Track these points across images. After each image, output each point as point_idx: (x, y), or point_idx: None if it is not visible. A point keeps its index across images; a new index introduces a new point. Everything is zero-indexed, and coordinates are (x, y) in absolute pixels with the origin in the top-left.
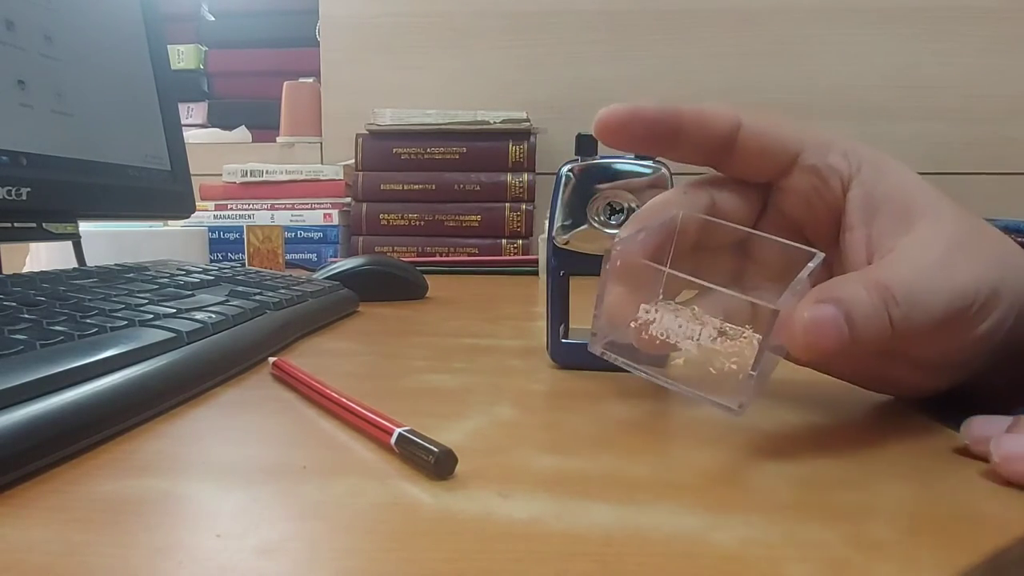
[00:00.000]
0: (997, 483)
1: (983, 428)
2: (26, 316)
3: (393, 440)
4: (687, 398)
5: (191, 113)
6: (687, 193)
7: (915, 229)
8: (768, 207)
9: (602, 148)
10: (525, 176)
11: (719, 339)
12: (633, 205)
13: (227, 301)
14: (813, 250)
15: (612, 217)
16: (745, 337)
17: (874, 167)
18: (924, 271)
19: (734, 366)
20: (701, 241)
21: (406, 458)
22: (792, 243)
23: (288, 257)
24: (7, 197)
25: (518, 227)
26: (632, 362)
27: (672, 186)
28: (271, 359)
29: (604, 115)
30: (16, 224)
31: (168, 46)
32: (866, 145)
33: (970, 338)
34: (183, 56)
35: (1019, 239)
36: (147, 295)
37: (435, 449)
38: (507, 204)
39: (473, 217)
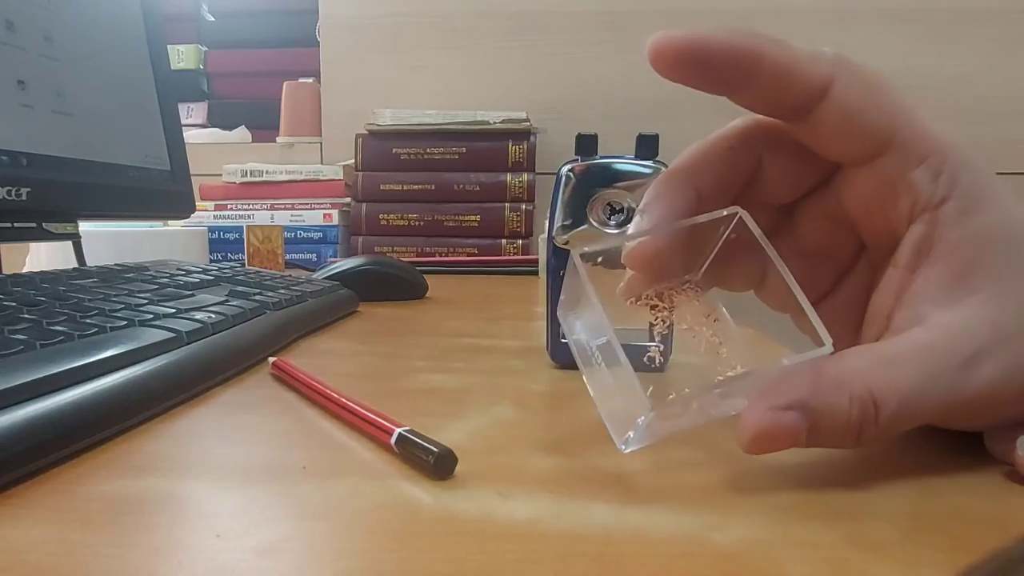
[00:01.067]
0: (1002, 481)
1: (1008, 429)
2: (26, 316)
3: (393, 440)
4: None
5: (191, 113)
6: (732, 149)
7: (961, 304)
8: (827, 187)
9: (602, 148)
10: (525, 176)
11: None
12: (633, 205)
13: (227, 301)
14: (826, 339)
15: (612, 217)
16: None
17: (966, 203)
18: (931, 375)
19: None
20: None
21: (406, 458)
22: (816, 320)
23: (288, 257)
24: (7, 197)
25: (518, 227)
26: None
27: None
28: (271, 359)
29: (659, 44)
30: (16, 224)
31: (168, 46)
32: (982, 168)
33: (1000, 418)
34: (183, 56)
35: None
36: (147, 295)
37: (435, 449)
38: (507, 204)
39: (473, 217)
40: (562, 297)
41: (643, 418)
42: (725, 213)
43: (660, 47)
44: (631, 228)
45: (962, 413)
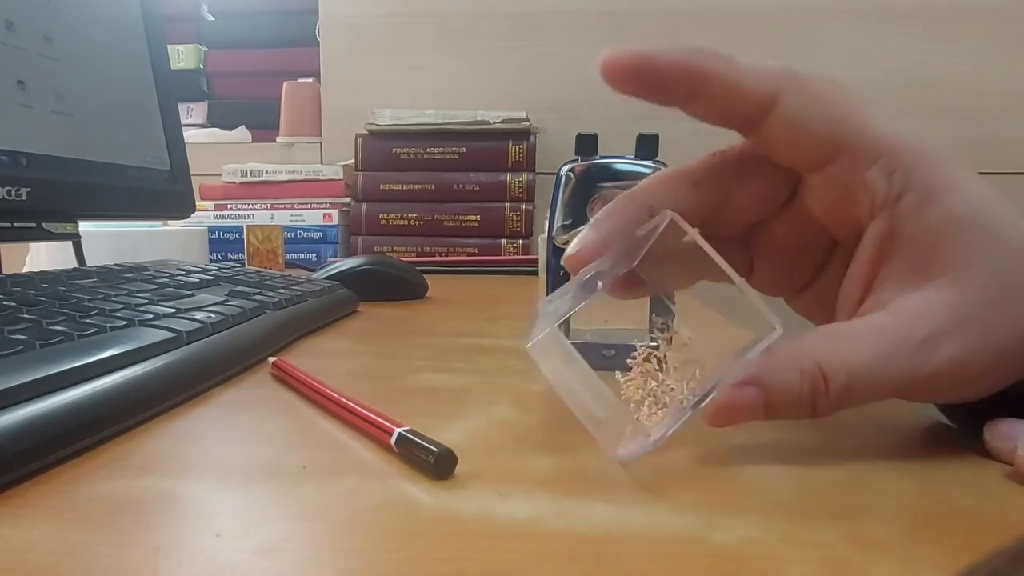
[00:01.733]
0: (1003, 481)
1: (1010, 430)
2: (26, 316)
3: (393, 440)
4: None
5: (191, 113)
6: (698, 184)
7: (922, 290)
8: (796, 196)
9: (602, 148)
10: (525, 176)
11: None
12: None
13: (227, 301)
14: (776, 324)
15: None
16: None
17: (921, 196)
18: (886, 355)
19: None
20: (672, 248)
21: (406, 458)
22: (762, 307)
23: (288, 257)
24: (7, 197)
25: (518, 227)
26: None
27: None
28: (271, 359)
29: (609, 59)
30: (16, 224)
31: (168, 46)
32: (935, 157)
33: (971, 393)
34: (183, 56)
35: None
36: (147, 295)
37: (435, 449)
38: (507, 204)
39: (473, 217)
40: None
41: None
42: (657, 219)
43: (609, 63)
44: (577, 238)
45: (925, 389)
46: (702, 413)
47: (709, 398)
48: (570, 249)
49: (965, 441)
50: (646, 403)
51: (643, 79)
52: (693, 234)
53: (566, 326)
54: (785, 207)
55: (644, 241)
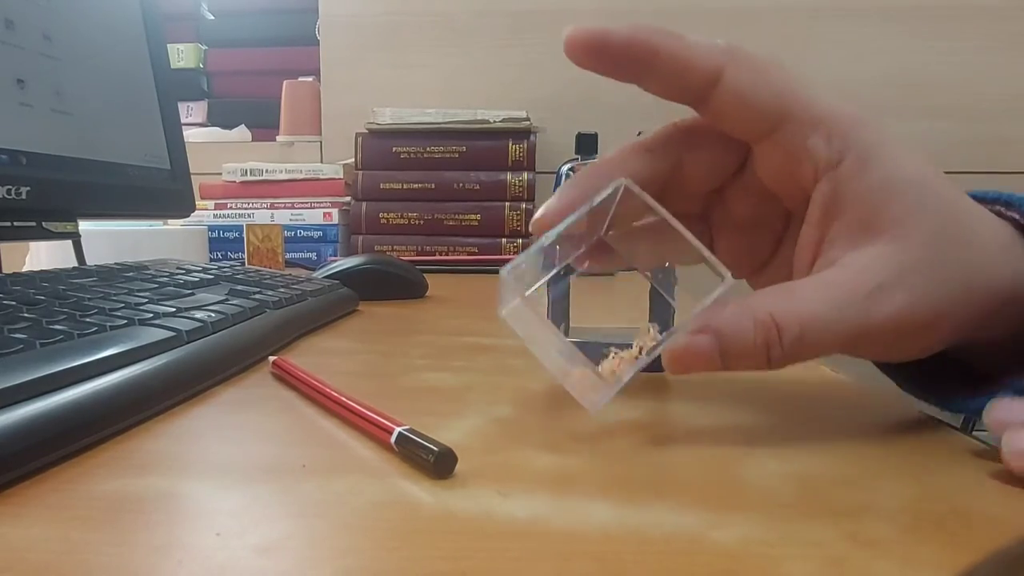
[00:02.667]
0: (1004, 481)
1: (1007, 413)
2: (26, 315)
3: (393, 439)
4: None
5: (191, 112)
6: (651, 151)
7: (867, 245)
8: (747, 166)
9: (602, 147)
10: (525, 175)
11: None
12: None
13: (227, 300)
14: (725, 273)
15: None
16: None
17: (860, 160)
18: (836, 306)
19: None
20: (637, 219)
21: (406, 457)
22: (711, 258)
23: (288, 256)
24: (7, 196)
25: (518, 226)
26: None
27: None
28: (271, 358)
29: (571, 35)
30: (16, 223)
31: (168, 45)
32: (873, 127)
33: (918, 347)
34: (183, 55)
35: (992, 207)
36: (147, 294)
37: (435, 448)
38: (507, 203)
39: (473, 216)
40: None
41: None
42: (612, 188)
43: (570, 39)
44: (543, 205)
45: (871, 342)
46: (664, 363)
47: (663, 344)
48: (536, 214)
49: (965, 441)
50: (611, 356)
51: (600, 54)
52: (643, 196)
53: (566, 324)
54: (737, 177)
55: (605, 209)
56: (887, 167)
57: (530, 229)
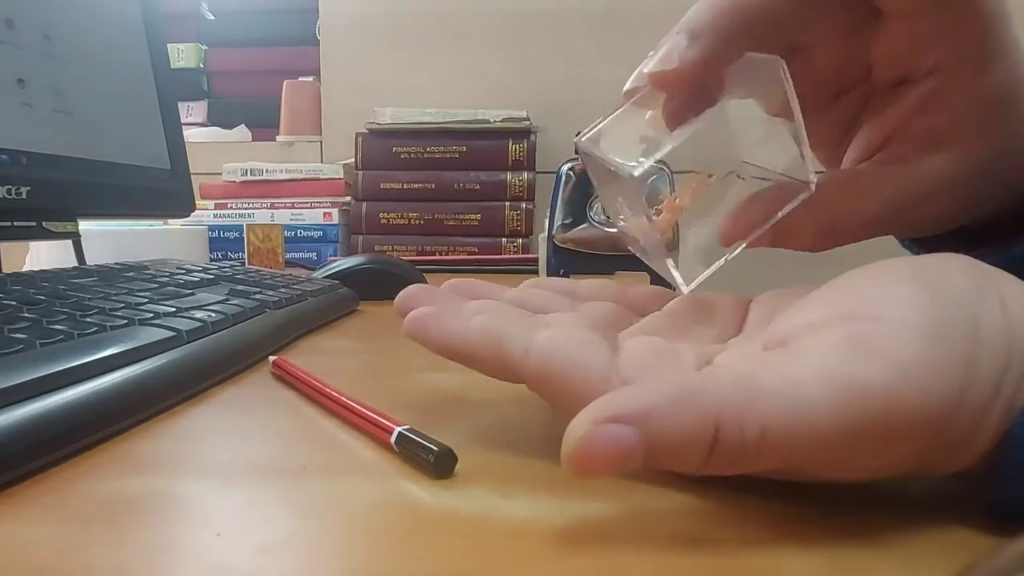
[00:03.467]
0: None
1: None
2: (26, 315)
3: (393, 439)
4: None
5: (191, 112)
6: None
7: (939, 154)
8: (861, 33)
9: None
10: (525, 175)
11: None
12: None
13: (227, 300)
14: (812, 180)
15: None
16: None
17: (978, 65)
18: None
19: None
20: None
21: (406, 457)
22: (808, 154)
23: (288, 256)
24: (7, 196)
25: (518, 226)
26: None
27: (670, 184)
28: (271, 358)
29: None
30: (16, 223)
31: (168, 45)
32: (1003, 33)
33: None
34: (183, 55)
35: None
36: (147, 294)
37: (435, 448)
38: (507, 203)
39: (473, 216)
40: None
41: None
42: (763, 57)
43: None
44: (666, 45)
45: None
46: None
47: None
48: (660, 63)
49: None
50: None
51: None
52: (788, 86)
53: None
54: (844, 41)
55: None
56: (999, 75)
57: (650, 78)
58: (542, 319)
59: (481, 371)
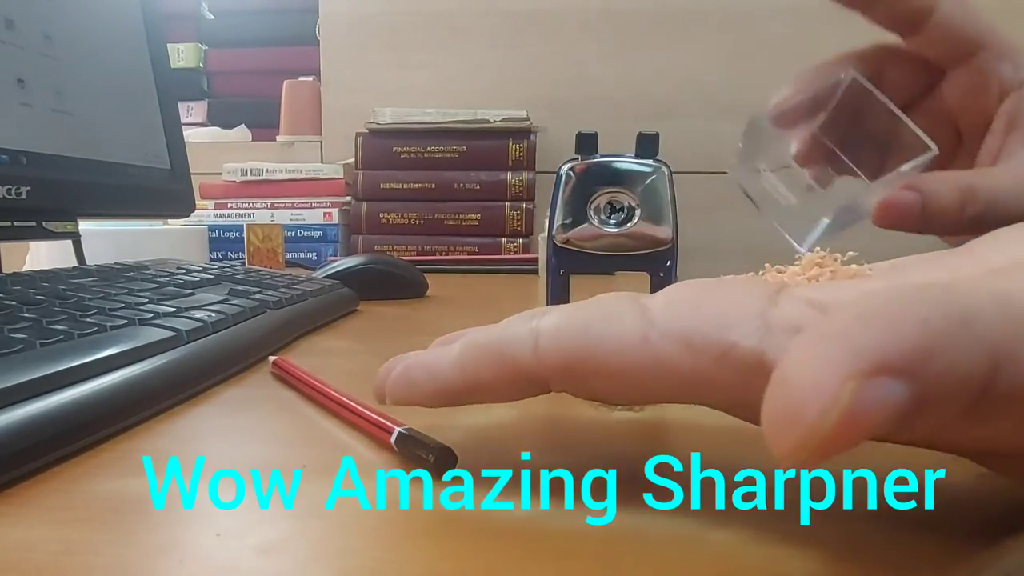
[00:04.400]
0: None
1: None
2: (26, 315)
3: (393, 439)
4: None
5: (191, 112)
6: (862, 60)
7: None
8: (933, 91)
9: (602, 147)
10: (525, 175)
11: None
12: (634, 204)
13: (227, 300)
14: (931, 144)
15: (612, 216)
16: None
17: None
18: (1022, 184)
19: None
20: (855, 115)
21: (406, 457)
22: (919, 129)
23: (288, 256)
24: (7, 196)
25: (518, 226)
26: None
27: (670, 184)
28: (271, 358)
29: None
30: (16, 223)
31: (168, 45)
32: None
33: None
34: (183, 55)
35: None
36: (147, 294)
37: (434, 448)
38: (507, 203)
39: (473, 216)
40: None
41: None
42: (838, 78)
43: None
44: (777, 96)
45: None
46: (875, 210)
47: (873, 191)
48: (774, 100)
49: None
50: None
51: None
52: (868, 84)
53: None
54: (924, 103)
55: (824, 102)
56: None
57: (770, 114)
58: (539, 311)
59: (495, 398)
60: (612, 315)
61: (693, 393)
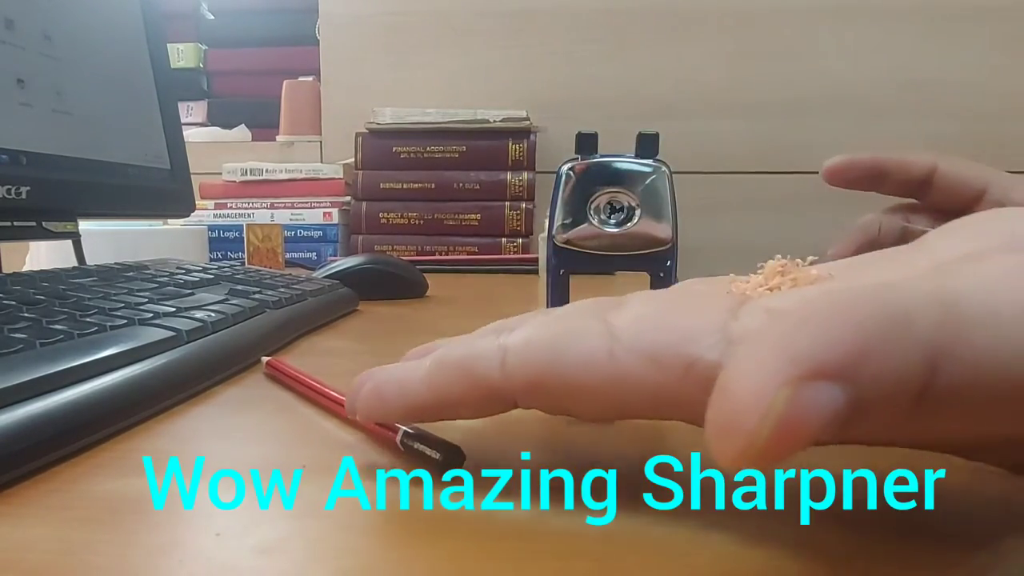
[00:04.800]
0: None
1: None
2: (26, 315)
3: (399, 438)
4: None
5: (191, 112)
6: (886, 213)
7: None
8: None
9: (602, 147)
10: (525, 175)
11: None
12: (634, 204)
13: (227, 300)
14: None
15: (612, 216)
16: None
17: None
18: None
19: None
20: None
21: (410, 456)
22: None
23: (288, 256)
24: (7, 196)
25: (518, 226)
26: None
27: (670, 184)
28: (264, 359)
29: (829, 164)
30: (16, 223)
31: (168, 45)
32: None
33: None
34: (183, 55)
35: None
36: (147, 294)
37: (441, 447)
38: (507, 203)
39: (473, 216)
40: None
41: None
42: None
43: (829, 168)
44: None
45: None
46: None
47: None
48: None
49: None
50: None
51: (847, 174)
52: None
53: None
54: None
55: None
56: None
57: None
58: (507, 324)
59: (466, 415)
60: (578, 331)
61: (661, 408)
